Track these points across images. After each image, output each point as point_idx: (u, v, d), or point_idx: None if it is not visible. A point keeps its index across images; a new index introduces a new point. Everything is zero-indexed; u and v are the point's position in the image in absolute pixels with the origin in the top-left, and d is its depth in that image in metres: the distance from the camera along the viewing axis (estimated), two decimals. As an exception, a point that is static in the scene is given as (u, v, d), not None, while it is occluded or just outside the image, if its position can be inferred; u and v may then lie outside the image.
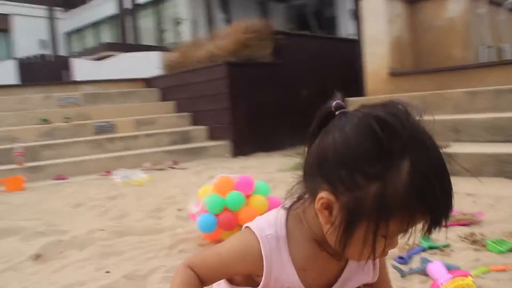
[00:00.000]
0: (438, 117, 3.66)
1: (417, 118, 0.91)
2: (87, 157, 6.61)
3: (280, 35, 7.91)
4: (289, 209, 1.07)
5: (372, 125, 0.87)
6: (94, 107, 8.37)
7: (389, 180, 0.85)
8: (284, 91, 7.82)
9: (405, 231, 0.91)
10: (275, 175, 4.91)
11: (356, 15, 6.38)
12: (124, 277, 2.16)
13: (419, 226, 0.92)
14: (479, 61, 6.05)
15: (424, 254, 2.25)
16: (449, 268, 1.96)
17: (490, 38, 6.47)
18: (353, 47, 6.75)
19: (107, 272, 2.29)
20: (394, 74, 5.97)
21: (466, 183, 3.77)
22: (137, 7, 17.67)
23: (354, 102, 5.75)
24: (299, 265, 1.05)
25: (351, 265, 1.12)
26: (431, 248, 2.32)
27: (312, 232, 1.03)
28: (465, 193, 3.41)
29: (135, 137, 7.40)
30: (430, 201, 0.85)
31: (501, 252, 2.20)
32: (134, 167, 6.11)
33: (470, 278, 1.80)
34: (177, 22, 14.86)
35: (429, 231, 0.90)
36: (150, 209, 3.72)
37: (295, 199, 1.07)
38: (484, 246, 2.32)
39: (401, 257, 2.21)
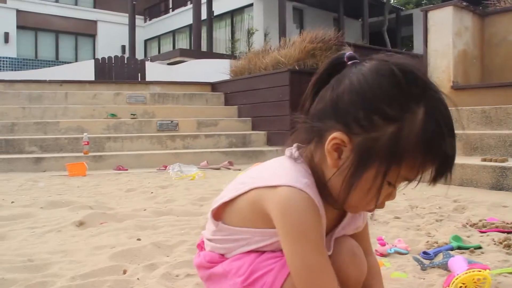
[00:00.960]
0: (498, 132, 3.64)
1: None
2: (147, 152, 6.89)
3: (346, 46, 7.90)
4: (299, 156, 1.05)
5: (393, 69, 0.91)
6: (160, 106, 8.74)
7: (406, 122, 0.89)
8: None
9: (412, 179, 0.95)
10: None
11: (423, 26, 6.24)
12: (153, 244, 2.27)
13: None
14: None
15: (452, 253, 2.19)
16: (470, 263, 1.91)
17: None
18: (420, 62, 6.63)
19: (138, 239, 2.41)
20: (457, 87, 5.79)
21: (519, 198, 3.64)
22: (213, 18, 18.22)
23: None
24: None
25: (347, 218, 1.16)
26: (460, 248, 2.26)
27: (317, 178, 1.02)
28: (516, 207, 3.27)
29: (195, 136, 7.62)
30: (439, 147, 0.90)
31: (533, 257, 2.11)
32: (191, 164, 6.29)
33: (487, 271, 1.74)
34: (251, 32, 15.15)
35: (434, 180, 0.94)
36: (195, 198, 3.83)
37: (297, 146, 1.07)
38: (517, 250, 2.23)
39: (426, 253, 2.17)
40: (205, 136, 7.72)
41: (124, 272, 1.87)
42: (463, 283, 1.69)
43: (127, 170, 6.26)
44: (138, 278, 1.78)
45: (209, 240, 1.21)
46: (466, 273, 1.71)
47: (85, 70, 11.79)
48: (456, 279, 1.70)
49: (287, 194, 0.97)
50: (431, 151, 0.90)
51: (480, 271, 1.71)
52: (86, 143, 6.51)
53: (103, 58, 11.38)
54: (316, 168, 1.02)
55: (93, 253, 2.17)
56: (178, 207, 3.44)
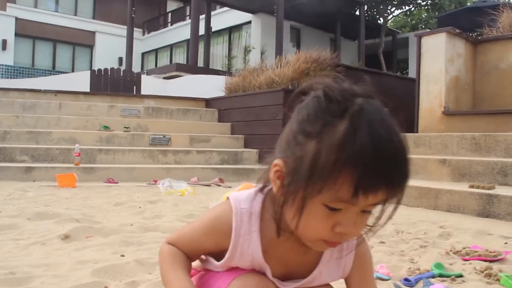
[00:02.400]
0: (486, 159, 3.68)
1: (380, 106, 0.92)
2: (139, 165, 6.89)
3: (340, 67, 7.98)
4: (267, 190, 1.07)
5: (319, 91, 0.92)
6: (153, 120, 8.77)
7: (325, 137, 0.86)
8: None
9: (345, 200, 0.87)
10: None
11: (417, 52, 6.33)
12: (136, 261, 2.27)
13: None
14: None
15: (432, 281, 2.21)
16: (450, 291, 1.92)
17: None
18: (412, 85, 6.70)
19: (122, 255, 2.41)
20: (448, 113, 5.86)
21: (504, 226, 3.67)
22: (210, 34, 18.36)
23: (405, 137, 5.74)
24: (263, 246, 1.06)
25: (322, 265, 1.11)
26: (441, 276, 2.28)
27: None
28: (500, 235, 3.30)
29: (187, 152, 7.64)
30: (358, 164, 0.83)
31: (513, 287, 2.13)
32: (181, 179, 6.29)
33: (465, 300, 1.76)
34: (247, 50, 15.26)
35: (355, 195, 0.85)
36: (183, 215, 3.83)
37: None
38: (498, 280, 2.24)
39: (407, 279, 2.18)
40: (197, 152, 7.74)
41: (105, 288, 1.88)
42: (441, 312, 1.71)
43: (117, 183, 6.25)
44: (118, 296, 1.79)
45: None
46: (444, 302, 1.73)
47: (81, 80, 11.82)
48: (434, 308, 1.72)
49: (223, 204, 1.11)
50: (350, 163, 0.84)
51: (457, 300, 1.73)
52: (78, 154, 6.51)
53: (99, 70, 11.42)
54: (276, 201, 1.01)
55: (76, 267, 2.17)
56: (165, 223, 3.44)
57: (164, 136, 8.03)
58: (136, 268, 2.20)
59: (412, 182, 3.71)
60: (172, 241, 1.14)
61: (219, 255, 1.13)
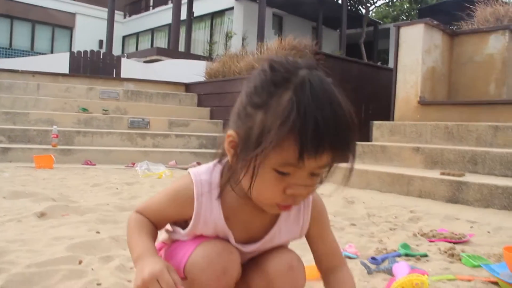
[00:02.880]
0: (458, 147, 3.77)
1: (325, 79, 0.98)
2: (117, 148, 6.88)
3: (319, 55, 8.04)
4: (225, 162, 1.14)
5: (264, 64, 0.99)
6: (132, 104, 8.74)
7: (271, 106, 0.93)
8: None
9: (292, 164, 0.93)
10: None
11: (395, 42, 6.41)
12: (111, 238, 2.32)
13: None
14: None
15: (398, 260, 2.29)
16: (412, 269, 2.01)
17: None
18: (390, 75, 6.80)
19: (97, 232, 2.45)
20: (423, 103, 5.97)
21: (472, 212, 3.79)
22: (192, 19, 18.24)
23: (381, 126, 5.83)
24: (225, 213, 1.14)
25: (279, 224, 1.19)
26: (407, 255, 2.37)
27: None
28: (467, 220, 3.41)
29: (166, 135, 7.65)
30: (302, 131, 0.89)
31: (473, 267, 2.23)
32: (159, 162, 6.31)
33: (426, 276, 1.85)
34: (229, 35, 15.23)
35: (300, 159, 0.91)
36: (161, 238, 3.87)
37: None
38: (459, 260, 2.35)
39: (374, 258, 2.27)
40: (176, 135, 7.75)
41: (80, 262, 1.92)
42: (402, 287, 1.79)
43: (95, 165, 6.25)
44: (92, 269, 1.83)
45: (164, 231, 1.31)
46: (405, 277, 1.82)
47: (60, 62, 11.68)
48: (396, 283, 1.81)
49: (184, 176, 1.18)
50: (293, 129, 0.89)
51: (418, 276, 1.82)
52: (55, 136, 6.47)
53: (78, 52, 11.30)
54: (231, 169, 1.08)
55: (51, 243, 2.21)
56: (140, 203, 3.48)
57: (143, 120, 8.02)
58: (110, 244, 2.25)
59: (385, 169, 3.85)
60: (139, 210, 1.22)
61: (185, 225, 1.20)
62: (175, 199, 1.16)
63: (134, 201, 3.58)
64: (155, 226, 1.20)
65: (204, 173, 1.15)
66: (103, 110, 8.12)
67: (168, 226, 1.28)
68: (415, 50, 6.11)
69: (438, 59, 6.34)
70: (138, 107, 8.62)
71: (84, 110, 7.97)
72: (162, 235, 1.34)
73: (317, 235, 1.25)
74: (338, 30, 21.02)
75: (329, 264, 1.26)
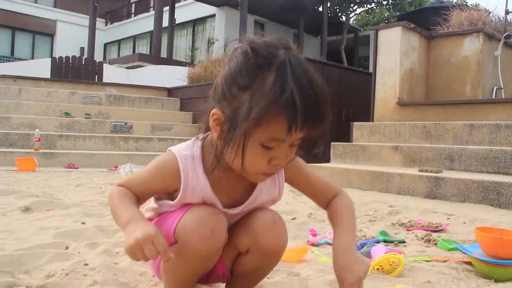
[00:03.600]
0: (436, 145, 3.90)
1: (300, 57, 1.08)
2: (100, 152, 6.89)
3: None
4: (203, 137, 1.25)
5: (246, 46, 1.07)
6: (115, 108, 8.75)
7: (257, 88, 1.02)
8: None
9: (284, 139, 1.05)
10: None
11: (374, 45, 6.55)
12: (96, 227, 2.36)
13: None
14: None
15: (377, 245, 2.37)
16: (389, 249, 2.09)
17: (503, 80, 6.58)
18: (370, 79, 6.93)
19: (83, 223, 2.49)
20: (402, 103, 6.11)
21: (449, 206, 3.90)
22: (174, 26, 18.29)
23: (361, 126, 5.94)
24: (210, 182, 1.22)
25: (259, 187, 1.29)
26: (385, 241, 2.45)
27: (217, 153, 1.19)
28: (445, 213, 3.51)
29: (149, 139, 7.68)
30: (287, 109, 1.00)
31: (448, 250, 2.32)
32: (142, 165, 6.32)
33: (402, 255, 1.93)
34: (211, 42, 15.30)
35: (287, 133, 1.02)
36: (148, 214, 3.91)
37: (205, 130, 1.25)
38: (435, 245, 2.44)
39: (354, 243, 2.34)
40: (159, 139, 7.79)
41: (66, 247, 1.96)
42: (380, 265, 1.87)
43: (78, 168, 6.25)
44: (79, 252, 1.88)
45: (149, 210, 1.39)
46: (382, 256, 1.90)
47: (41, 68, 11.64)
48: (373, 261, 1.88)
49: (166, 153, 1.25)
50: (282, 107, 0.99)
51: (395, 254, 1.90)
52: (38, 139, 6.46)
53: (60, 58, 11.26)
54: (215, 144, 1.17)
55: (37, 233, 2.24)
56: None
57: (126, 124, 8.04)
58: (96, 233, 2.29)
59: (365, 167, 3.96)
60: (122, 184, 1.27)
61: (169, 198, 1.28)
62: (161, 173, 1.23)
63: (118, 198, 3.60)
64: (137, 199, 1.25)
65: (185, 149, 1.24)
66: (86, 114, 8.12)
67: (152, 204, 1.35)
68: (393, 53, 6.25)
69: (416, 61, 6.49)
70: (121, 111, 8.64)
71: (67, 114, 7.96)
72: (146, 214, 1.40)
73: (301, 180, 1.35)
74: (319, 37, 21.24)
75: (325, 198, 1.36)
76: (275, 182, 1.32)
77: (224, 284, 1.45)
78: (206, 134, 1.25)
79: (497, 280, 1.83)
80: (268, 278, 1.68)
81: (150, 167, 1.25)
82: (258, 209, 1.32)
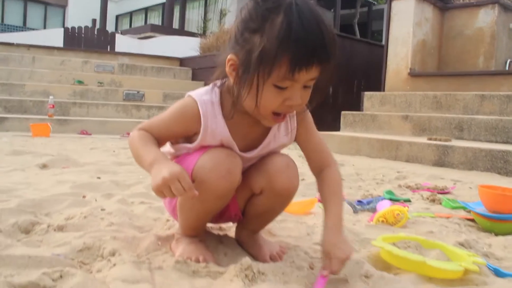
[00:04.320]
0: (446, 115, 3.94)
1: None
2: (112, 119, 6.99)
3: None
4: (221, 84, 1.29)
5: None
6: (127, 77, 8.82)
7: (267, 30, 1.07)
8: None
9: (296, 78, 1.10)
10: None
11: (387, 15, 6.51)
12: (111, 181, 2.45)
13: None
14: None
15: (383, 203, 2.44)
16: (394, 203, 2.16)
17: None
18: (382, 51, 6.91)
19: (98, 178, 2.58)
20: (413, 74, 6.10)
21: (457, 173, 3.95)
22: (186, -3, 18.19)
23: (372, 96, 5.96)
24: (228, 127, 1.27)
25: (273, 131, 1.34)
26: (391, 199, 2.51)
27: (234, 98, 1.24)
28: (451, 179, 3.56)
29: (160, 107, 7.74)
30: (296, 48, 1.06)
31: (452, 208, 2.38)
32: (154, 133, 6.40)
33: (406, 208, 2.00)
34: (223, 13, 15.22)
35: (297, 72, 1.08)
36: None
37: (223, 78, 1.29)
38: (440, 204, 2.50)
39: (360, 201, 2.41)
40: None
41: (84, 197, 2.05)
42: (384, 217, 1.94)
43: (91, 134, 6.36)
44: (96, 200, 1.97)
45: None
46: (387, 208, 1.96)
47: (54, 38, 11.68)
48: (378, 214, 1.95)
49: (185, 98, 1.30)
50: (290, 46, 1.05)
51: (399, 207, 1.97)
52: (52, 106, 6.56)
53: (72, 28, 11.31)
54: (231, 90, 1.22)
55: (55, 185, 2.34)
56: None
57: (138, 92, 8.11)
58: (111, 186, 2.38)
59: (375, 136, 3.99)
60: (142, 127, 1.31)
61: (188, 141, 1.33)
62: (182, 116, 1.28)
63: (132, 160, 3.69)
64: (158, 143, 1.31)
65: (205, 94, 1.29)
66: (98, 82, 8.20)
67: (168, 149, 1.40)
68: (406, 23, 6.21)
69: (429, 32, 6.45)
70: (133, 80, 8.71)
71: (80, 82, 8.04)
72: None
73: (304, 137, 1.39)
74: (332, 10, 21.01)
75: (318, 162, 1.40)
76: (287, 128, 1.36)
77: (235, 226, 1.52)
78: (224, 80, 1.29)
79: (497, 234, 1.90)
80: (278, 224, 1.76)
81: (171, 111, 1.30)
82: (273, 153, 1.37)
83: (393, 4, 6.43)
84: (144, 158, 1.21)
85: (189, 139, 1.33)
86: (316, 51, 1.08)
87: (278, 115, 1.20)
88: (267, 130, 1.34)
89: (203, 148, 1.28)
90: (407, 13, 6.23)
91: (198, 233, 1.39)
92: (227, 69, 1.17)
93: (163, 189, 1.09)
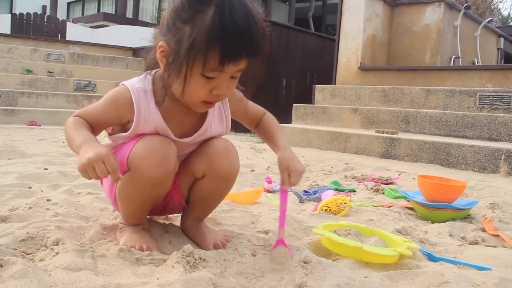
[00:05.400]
0: (393, 108, 4.08)
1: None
2: (62, 110, 6.82)
3: (266, 22, 8.13)
4: (154, 73, 1.32)
5: None
6: (78, 66, 8.62)
7: (197, 21, 1.10)
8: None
9: (216, 69, 1.13)
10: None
11: (339, 9, 6.63)
12: (59, 172, 2.42)
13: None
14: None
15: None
16: (338, 192, 2.24)
17: (461, 50, 6.80)
18: (334, 44, 7.03)
19: (45, 169, 2.55)
20: (363, 68, 6.25)
21: (402, 164, 4.10)
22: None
23: (323, 89, 6.06)
24: (161, 114, 1.30)
25: (209, 119, 1.38)
26: (337, 190, 2.60)
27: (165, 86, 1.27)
28: (397, 170, 3.70)
29: (113, 98, 7.62)
30: (224, 41, 1.09)
31: (394, 198, 2.49)
32: (106, 123, 6.30)
33: (349, 197, 2.08)
34: (178, 4, 15.03)
35: (224, 64, 1.11)
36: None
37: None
38: (383, 193, 2.61)
39: (306, 191, 2.48)
40: (123, 99, 7.74)
41: (30, 188, 2.03)
42: (328, 206, 2.02)
43: (40, 125, 6.20)
44: (42, 191, 1.95)
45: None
46: (330, 198, 2.04)
47: (0, 24, 11.25)
48: (322, 203, 2.03)
49: (118, 86, 1.34)
50: (218, 39, 1.08)
51: (342, 197, 2.05)
52: (-2, 95, 6.36)
53: (20, 14, 10.91)
54: (163, 78, 1.25)
55: (0, 177, 2.29)
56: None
57: (89, 82, 7.95)
58: (58, 177, 2.36)
59: (325, 128, 4.10)
60: (78, 114, 1.32)
61: (123, 130, 1.35)
62: (115, 104, 1.31)
63: (81, 151, 3.64)
64: (92, 130, 1.32)
65: (137, 83, 1.32)
66: (48, 72, 7.98)
67: (107, 141, 1.41)
68: (357, 18, 6.35)
69: (379, 28, 6.62)
70: (84, 70, 8.52)
71: (28, 71, 7.80)
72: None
73: (241, 111, 1.50)
74: (287, 3, 21.15)
75: (257, 119, 1.55)
76: (222, 117, 1.42)
77: (180, 215, 1.55)
78: (156, 70, 1.32)
79: (433, 222, 2.01)
80: (224, 213, 1.81)
81: (105, 99, 1.32)
82: (212, 138, 1.41)
83: (344, -1, 6.56)
84: (74, 141, 1.22)
85: (124, 128, 1.35)
86: (245, 45, 1.12)
87: (208, 103, 1.24)
88: (204, 117, 1.37)
89: (138, 136, 1.30)
90: (358, 8, 6.36)
91: (140, 221, 1.41)
92: (158, 55, 1.20)
93: (87, 169, 1.10)
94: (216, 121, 1.40)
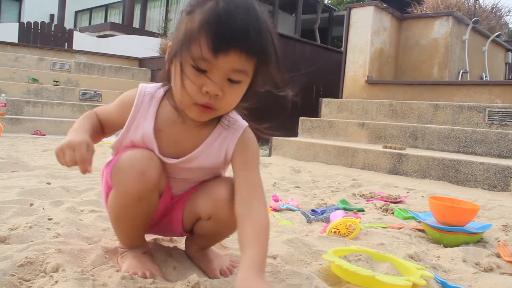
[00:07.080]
0: (400, 123, 4.03)
1: None
2: (67, 119, 6.81)
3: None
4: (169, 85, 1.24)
5: None
6: (84, 76, 8.62)
7: (196, 13, 1.06)
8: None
9: (205, 58, 1.05)
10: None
11: (346, 23, 6.60)
12: (62, 187, 2.38)
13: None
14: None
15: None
16: (347, 214, 2.18)
17: (469, 64, 6.75)
18: (341, 57, 7.00)
19: (48, 183, 2.50)
20: (370, 82, 6.21)
21: (410, 181, 4.04)
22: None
23: (330, 103, 6.01)
24: (157, 125, 1.25)
25: (207, 143, 1.27)
26: (345, 209, 2.54)
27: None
28: (405, 187, 3.64)
29: (118, 108, 7.61)
30: (213, 28, 1.03)
31: (404, 218, 2.43)
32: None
33: (358, 219, 2.02)
34: (184, 14, 15.07)
35: (213, 53, 1.03)
36: (106, 161, 3.91)
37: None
38: (392, 214, 2.54)
39: (314, 210, 2.43)
40: (129, 109, 7.72)
41: (31, 204, 1.98)
42: (337, 228, 1.95)
43: (44, 135, 6.18)
44: (43, 208, 1.90)
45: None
46: (340, 219, 1.98)
47: (7, 33, 11.29)
48: (331, 225, 1.97)
49: (134, 89, 1.29)
50: (209, 27, 1.02)
51: (352, 218, 1.98)
52: (4, 104, 6.34)
53: (28, 23, 10.96)
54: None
55: (1, 191, 2.24)
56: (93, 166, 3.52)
57: (95, 92, 7.94)
58: (61, 192, 2.31)
59: (332, 142, 4.06)
60: (94, 110, 1.32)
61: None
62: (121, 103, 1.29)
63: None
64: (102, 128, 1.30)
65: (150, 88, 1.28)
66: (54, 81, 7.98)
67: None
68: (365, 31, 6.32)
69: (386, 41, 6.58)
70: (90, 79, 8.52)
71: (34, 80, 7.80)
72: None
73: (240, 166, 1.27)
74: (293, 15, 21.19)
75: (246, 197, 1.22)
76: (222, 147, 1.29)
77: (185, 238, 1.50)
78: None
79: (446, 246, 1.94)
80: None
81: (117, 98, 1.32)
82: (220, 178, 1.34)
83: (352, 11, 6.53)
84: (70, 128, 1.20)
85: None
86: (236, 35, 1.04)
87: (201, 107, 1.12)
88: (200, 142, 1.27)
89: (126, 149, 1.26)
90: (366, 21, 6.34)
91: (137, 243, 1.35)
92: (166, 56, 1.16)
93: (59, 153, 1.07)
94: (215, 148, 1.28)
